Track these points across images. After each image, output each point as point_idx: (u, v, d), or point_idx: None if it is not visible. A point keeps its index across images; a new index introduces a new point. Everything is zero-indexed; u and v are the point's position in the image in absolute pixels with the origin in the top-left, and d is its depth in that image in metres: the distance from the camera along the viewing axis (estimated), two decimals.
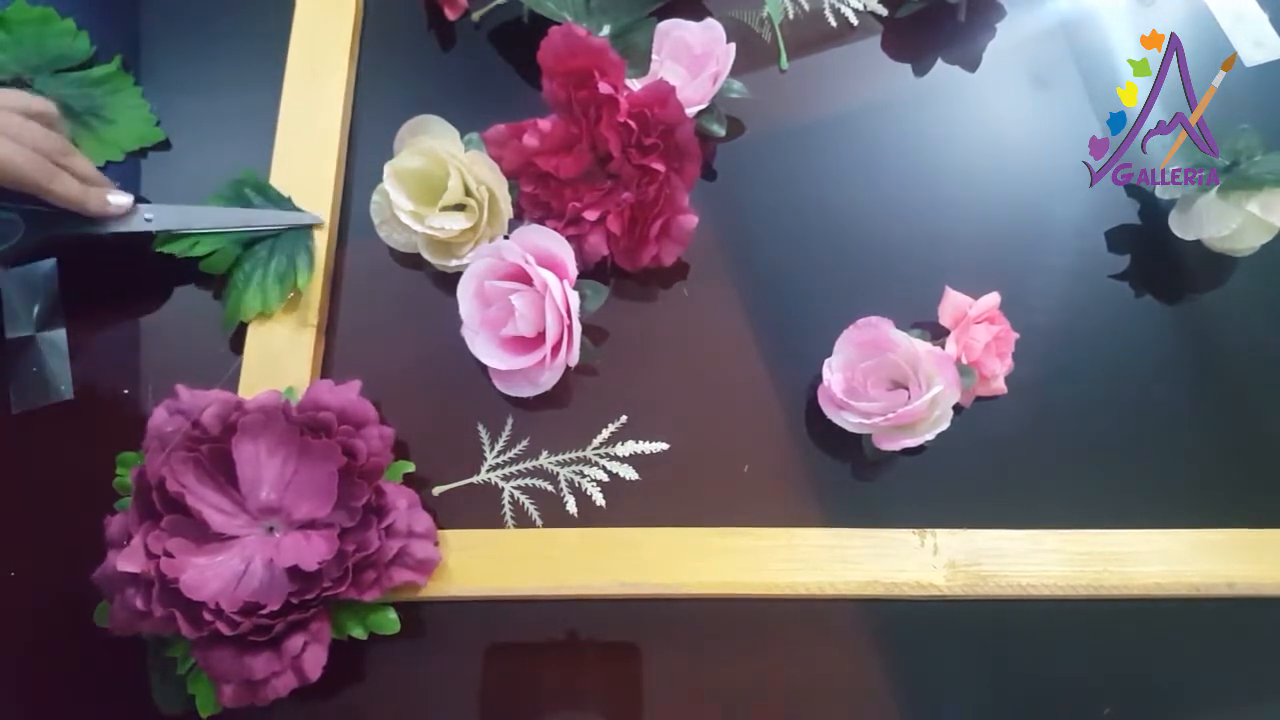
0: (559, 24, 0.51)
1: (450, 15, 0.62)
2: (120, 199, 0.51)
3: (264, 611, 0.42)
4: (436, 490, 0.51)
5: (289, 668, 0.42)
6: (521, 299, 0.49)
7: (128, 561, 0.41)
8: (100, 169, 0.54)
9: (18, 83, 0.57)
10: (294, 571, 0.42)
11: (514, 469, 0.52)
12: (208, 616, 0.41)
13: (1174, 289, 0.59)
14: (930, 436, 0.49)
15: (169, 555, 0.42)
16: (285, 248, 0.54)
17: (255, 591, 0.42)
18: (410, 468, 0.50)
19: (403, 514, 0.46)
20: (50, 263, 0.55)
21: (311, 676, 0.43)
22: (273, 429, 0.45)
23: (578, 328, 0.49)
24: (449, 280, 0.54)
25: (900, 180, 0.61)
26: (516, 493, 0.51)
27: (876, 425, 0.49)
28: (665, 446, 0.52)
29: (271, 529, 0.45)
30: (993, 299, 0.53)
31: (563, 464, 0.52)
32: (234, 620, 0.41)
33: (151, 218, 0.52)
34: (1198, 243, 0.56)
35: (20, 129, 0.48)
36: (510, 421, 0.53)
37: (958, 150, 0.62)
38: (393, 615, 0.46)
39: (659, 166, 0.51)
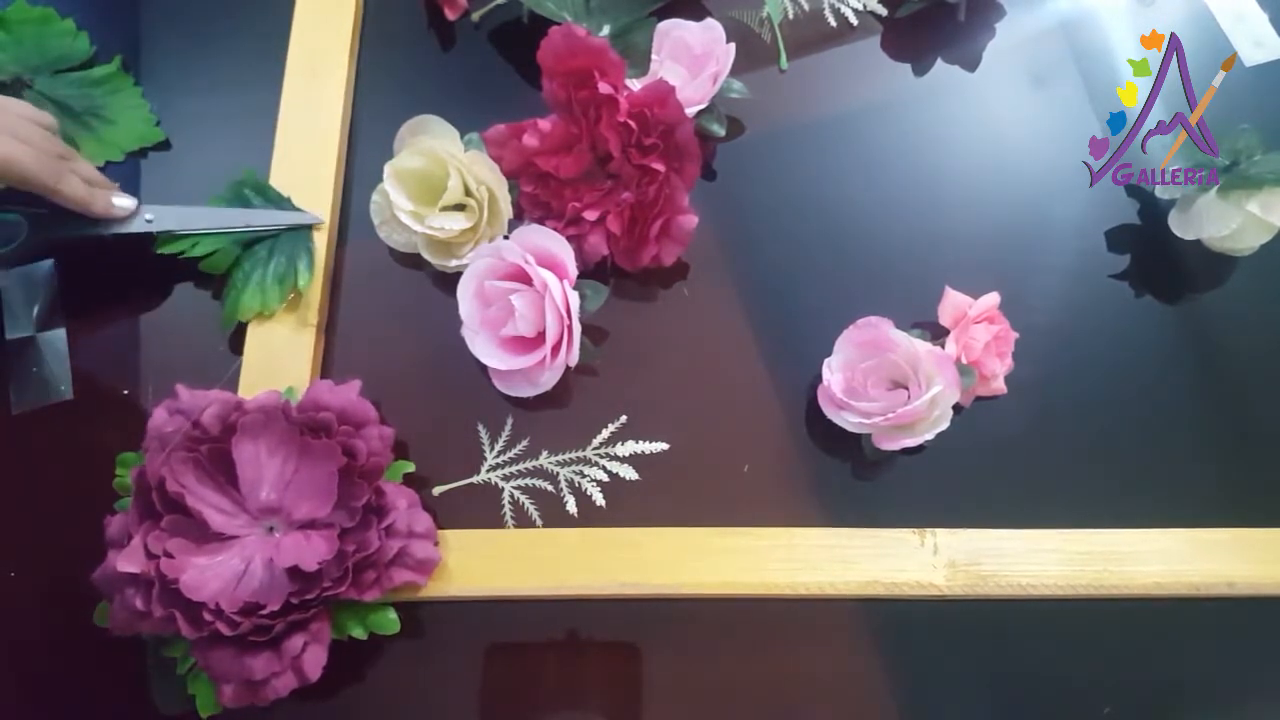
0: (559, 24, 0.51)
1: (450, 15, 0.62)
2: (124, 201, 0.52)
3: (264, 612, 0.42)
4: (436, 490, 0.51)
5: (289, 668, 0.42)
6: (521, 299, 0.49)
7: (128, 562, 0.41)
8: (100, 169, 0.54)
9: (18, 83, 0.57)
10: (294, 571, 0.42)
11: (514, 469, 0.52)
12: (208, 617, 0.41)
13: (1174, 289, 0.59)
14: (930, 436, 0.49)
15: (169, 555, 0.42)
16: (285, 248, 0.54)
17: (255, 591, 0.42)
18: (410, 468, 0.50)
19: (403, 514, 0.46)
20: (48, 263, 0.55)
21: (311, 677, 0.43)
22: (273, 429, 0.45)
23: (578, 328, 0.49)
24: (449, 280, 0.54)
25: (900, 180, 0.61)
26: (516, 493, 0.51)
27: (876, 425, 0.49)
28: (665, 446, 0.52)
29: (271, 529, 0.45)
30: (992, 299, 0.53)
31: (563, 464, 0.52)
32: (234, 620, 0.41)
33: (152, 219, 0.52)
34: (1198, 243, 0.56)
35: (28, 131, 0.48)
36: (510, 421, 0.53)
37: (958, 150, 0.62)
38: (393, 615, 0.46)
39: (659, 166, 0.51)
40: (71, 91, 0.58)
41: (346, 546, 0.43)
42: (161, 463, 0.43)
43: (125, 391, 0.53)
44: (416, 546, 0.46)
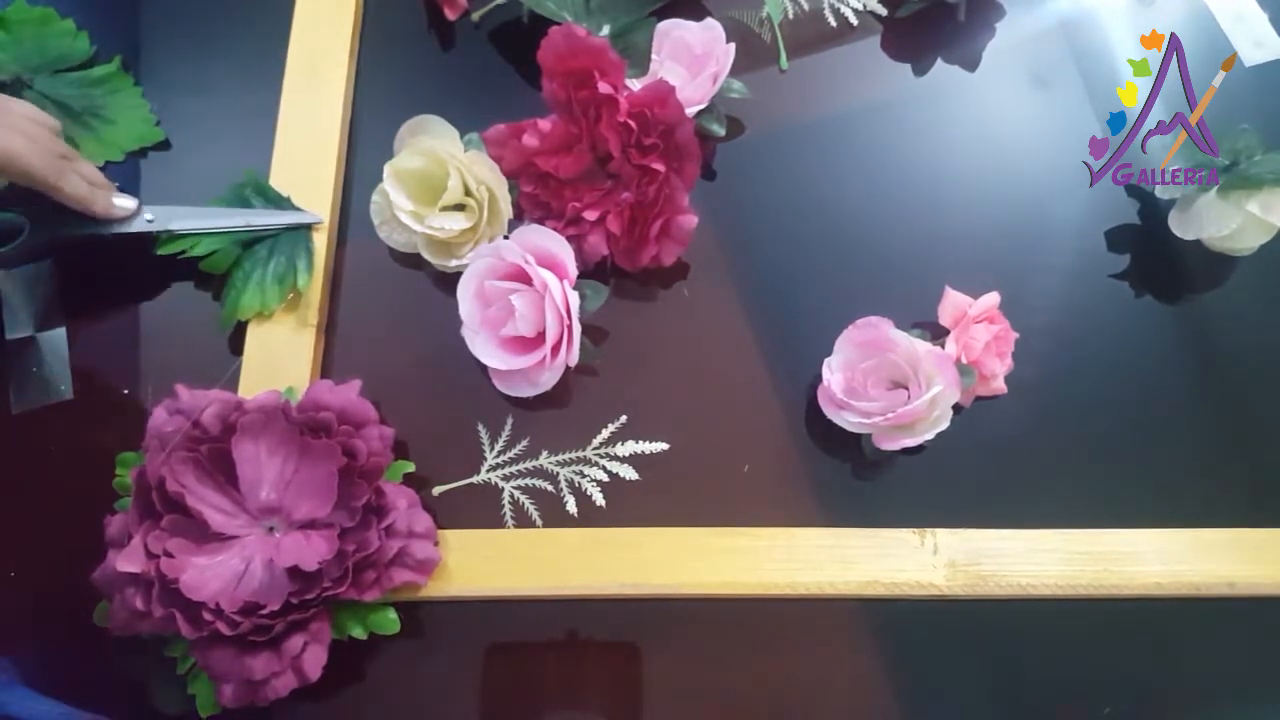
0: (559, 24, 0.51)
1: (450, 15, 0.62)
2: (125, 202, 0.52)
3: (264, 611, 0.42)
4: (436, 490, 0.51)
5: (289, 668, 0.42)
6: (521, 299, 0.49)
7: (127, 561, 0.41)
8: (100, 169, 0.54)
9: (18, 83, 0.57)
10: (294, 571, 0.42)
11: (514, 469, 0.52)
12: (207, 616, 0.41)
13: (1174, 289, 0.59)
14: (930, 436, 0.49)
15: (169, 555, 0.42)
16: (285, 248, 0.54)
17: (255, 591, 0.42)
18: (410, 468, 0.50)
19: (403, 514, 0.46)
20: (48, 262, 0.55)
21: (311, 677, 0.43)
22: (273, 429, 0.45)
23: (578, 328, 0.49)
24: (449, 280, 0.54)
25: (900, 180, 0.61)
26: (516, 493, 0.51)
27: (876, 425, 0.49)
28: (665, 446, 0.52)
29: (271, 529, 0.45)
30: (992, 299, 0.53)
31: (563, 464, 0.52)
32: (234, 620, 0.41)
33: (153, 219, 0.52)
34: (1197, 242, 0.56)
35: (33, 131, 0.48)
36: (510, 421, 0.53)
37: (958, 150, 0.62)
38: (393, 615, 0.46)
39: (659, 166, 0.51)
40: (71, 91, 0.58)
41: (346, 546, 0.43)
42: (161, 463, 0.43)
43: (125, 391, 0.53)
44: (416, 547, 0.46)
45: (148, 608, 0.41)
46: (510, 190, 0.53)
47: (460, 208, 0.53)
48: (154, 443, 0.44)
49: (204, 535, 0.43)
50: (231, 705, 0.43)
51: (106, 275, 0.55)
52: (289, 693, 0.43)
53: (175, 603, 0.41)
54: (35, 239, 0.50)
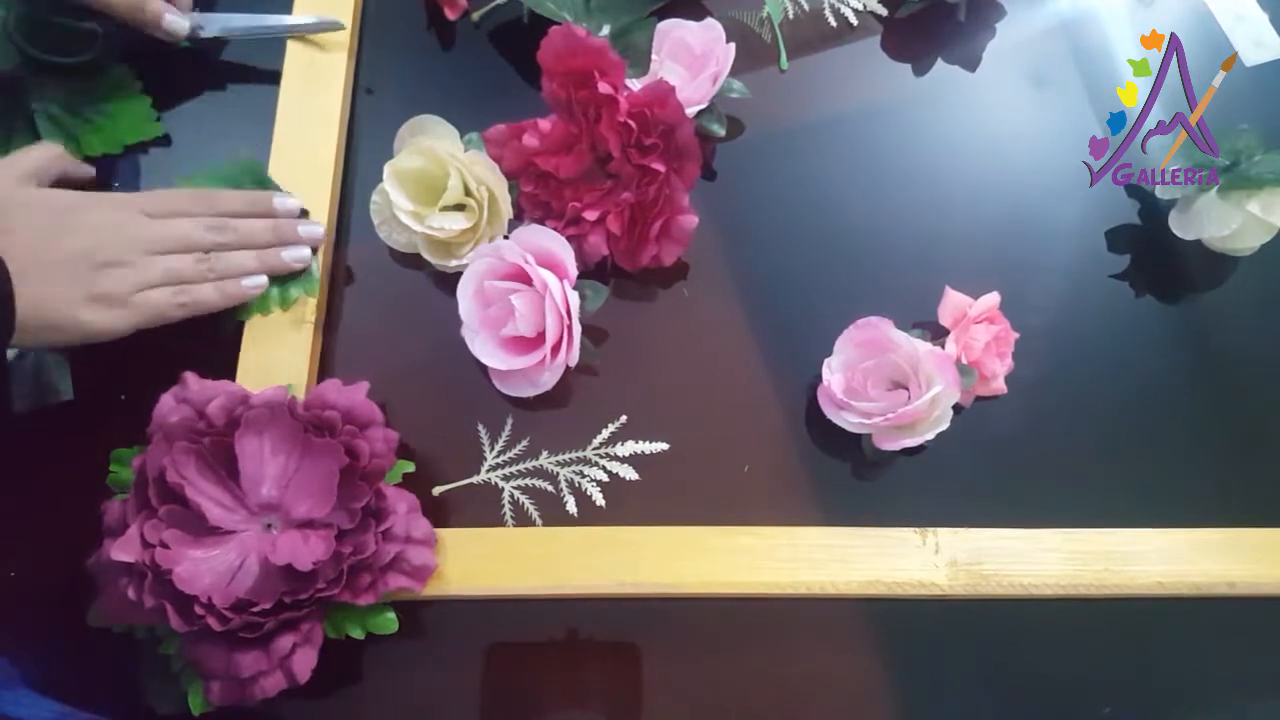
0: (559, 24, 0.51)
1: (450, 15, 0.62)
2: (178, 19, 0.56)
3: (255, 609, 0.41)
4: (436, 490, 0.51)
5: (277, 668, 0.42)
6: (521, 299, 0.49)
7: (122, 550, 0.41)
8: (98, 161, 0.55)
9: (18, 77, 0.57)
10: (288, 571, 0.42)
11: (514, 469, 0.52)
12: (199, 611, 0.40)
13: (1174, 289, 0.59)
14: (930, 436, 0.49)
15: (164, 546, 0.41)
16: None
17: (248, 588, 0.42)
18: (410, 467, 0.50)
19: (401, 518, 0.46)
20: None
21: (300, 678, 0.43)
22: (277, 425, 0.44)
23: (578, 328, 0.49)
24: (449, 280, 0.54)
25: (900, 180, 0.61)
26: (516, 492, 0.51)
27: (876, 425, 0.49)
28: (665, 446, 0.52)
29: (269, 526, 0.44)
30: (992, 299, 0.53)
31: (563, 464, 0.52)
32: (225, 616, 0.40)
33: (203, 26, 0.58)
34: (1198, 243, 0.56)
35: None
36: (510, 421, 0.53)
37: (958, 150, 0.62)
38: (391, 615, 0.46)
39: (659, 166, 0.51)
40: (73, 85, 0.58)
41: (343, 548, 0.43)
42: (163, 453, 0.42)
43: (125, 391, 0.53)
44: (413, 552, 0.45)
45: (139, 598, 0.41)
46: (510, 190, 0.53)
47: (460, 208, 0.53)
48: (158, 431, 0.44)
49: (201, 528, 0.43)
50: (219, 703, 0.42)
51: None
52: (279, 693, 0.42)
53: (167, 594, 0.41)
54: (106, 50, 0.56)
